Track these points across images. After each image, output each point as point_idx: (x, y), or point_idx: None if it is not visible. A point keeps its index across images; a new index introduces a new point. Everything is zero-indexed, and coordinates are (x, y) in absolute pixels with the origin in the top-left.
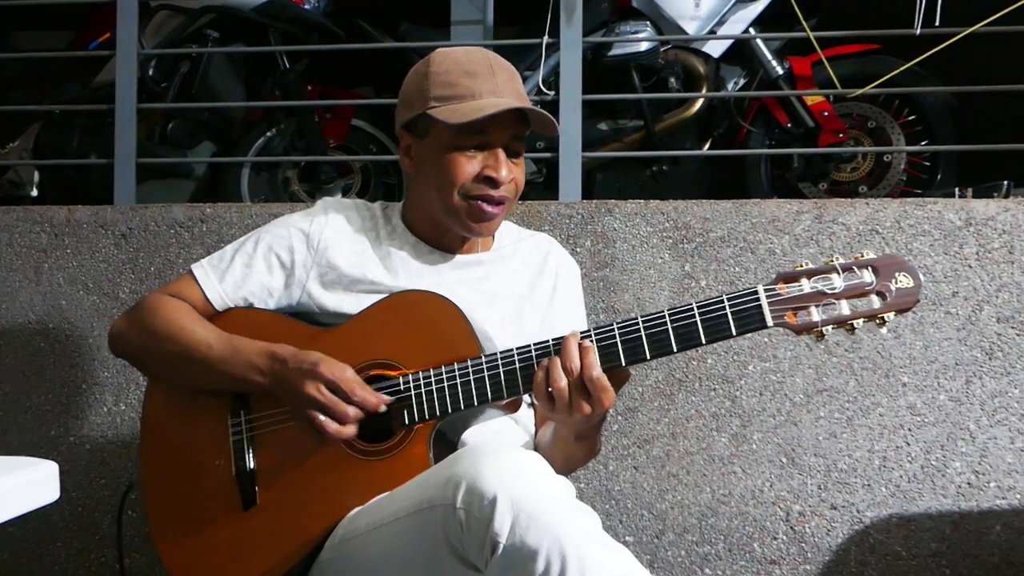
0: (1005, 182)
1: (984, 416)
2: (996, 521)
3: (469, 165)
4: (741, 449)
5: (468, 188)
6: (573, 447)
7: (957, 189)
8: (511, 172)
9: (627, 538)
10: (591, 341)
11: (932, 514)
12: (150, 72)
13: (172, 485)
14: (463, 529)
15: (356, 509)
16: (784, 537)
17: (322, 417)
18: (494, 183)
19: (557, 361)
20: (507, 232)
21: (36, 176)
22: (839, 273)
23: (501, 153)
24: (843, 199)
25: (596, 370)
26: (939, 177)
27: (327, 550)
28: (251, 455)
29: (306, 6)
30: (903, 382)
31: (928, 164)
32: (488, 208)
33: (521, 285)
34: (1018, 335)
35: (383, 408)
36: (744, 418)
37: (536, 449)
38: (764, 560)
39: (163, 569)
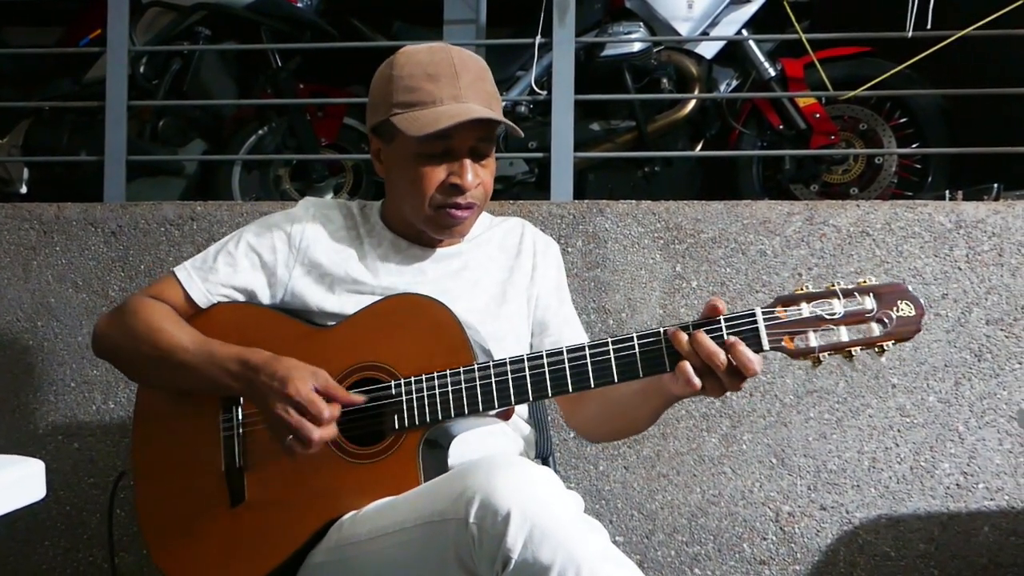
0: (995, 185)
1: (973, 418)
2: (984, 522)
3: (434, 174)
4: (731, 450)
5: (435, 198)
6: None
7: (947, 192)
8: (477, 177)
9: (617, 538)
10: (585, 357)
11: (921, 515)
12: (141, 69)
13: (163, 479)
14: (475, 544)
15: (351, 513)
16: (774, 537)
17: (289, 438)
18: (460, 190)
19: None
20: (480, 220)
21: (25, 173)
22: (840, 298)
23: (466, 159)
24: (834, 201)
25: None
26: (930, 179)
27: (321, 553)
28: (241, 452)
29: (299, 4)
30: (893, 383)
31: (919, 166)
32: (457, 213)
33: (500, 270)
34: (1007, 337)
35: (362, 399)
36: (734, 419)
37: (584, 414)
38: (754, 560)
39: (151, 569)
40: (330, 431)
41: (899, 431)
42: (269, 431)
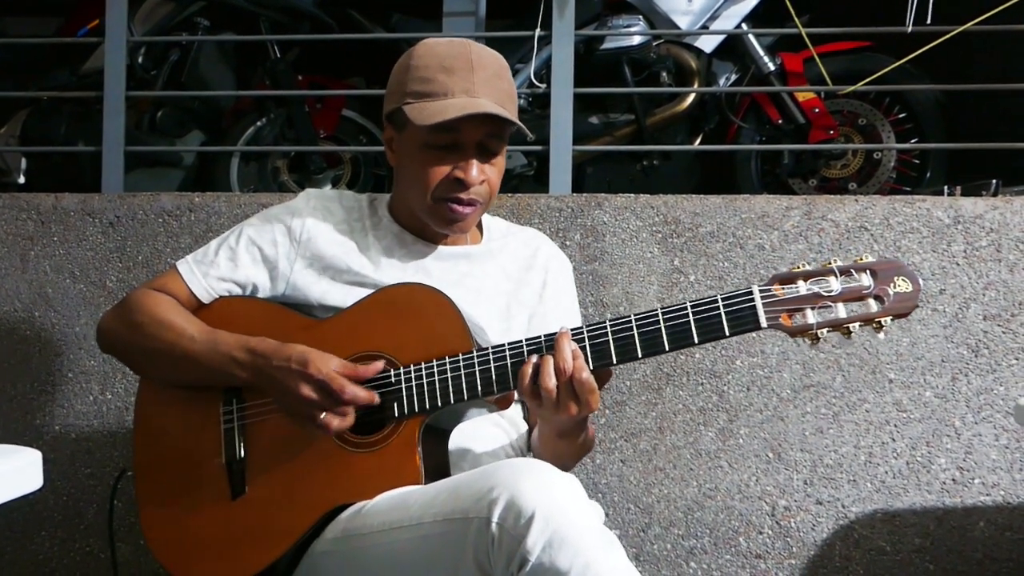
0: (993, 181)
1: (969, 413)
2: (980, 517)
3: (440, 166)
4: (728, 444)
5: (438, 190)
6: (557, 444)
7: (946, 187)
8: (482, 174)
9: (614, 532)
10: (584, 339)
11: (917, 510)
12: (139, 60)
13: (164, 472)
14: (494, 544)
15: (358, 504)
16: (769, 531)
17: (322, 417)
18: (463, 185)
19: (549, 360)
20: (496, 227)
21: (23, 163)
22: (836, 276)
23: (472, 153)
24: (832, 196)
25: (586, 372)
26: (928, 175)
27: (326, 543)
28: (241, 444)
29: None
30: (889, 378)
31: (917, 162)
32: (458, 208)
33: (508, 281)
34: (1004, 333)
35: (377, 400)
36: (731, 413)
37: (531, 449)
38: (749, 554)
39: (149, 559)
40: (353, 408)
41: (896, 426)
42: (287, 413)
